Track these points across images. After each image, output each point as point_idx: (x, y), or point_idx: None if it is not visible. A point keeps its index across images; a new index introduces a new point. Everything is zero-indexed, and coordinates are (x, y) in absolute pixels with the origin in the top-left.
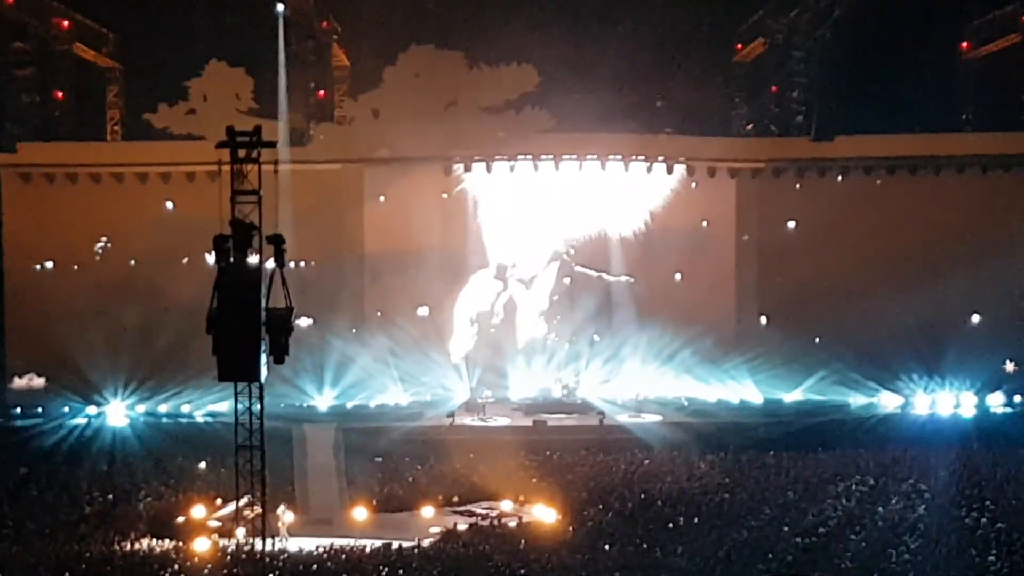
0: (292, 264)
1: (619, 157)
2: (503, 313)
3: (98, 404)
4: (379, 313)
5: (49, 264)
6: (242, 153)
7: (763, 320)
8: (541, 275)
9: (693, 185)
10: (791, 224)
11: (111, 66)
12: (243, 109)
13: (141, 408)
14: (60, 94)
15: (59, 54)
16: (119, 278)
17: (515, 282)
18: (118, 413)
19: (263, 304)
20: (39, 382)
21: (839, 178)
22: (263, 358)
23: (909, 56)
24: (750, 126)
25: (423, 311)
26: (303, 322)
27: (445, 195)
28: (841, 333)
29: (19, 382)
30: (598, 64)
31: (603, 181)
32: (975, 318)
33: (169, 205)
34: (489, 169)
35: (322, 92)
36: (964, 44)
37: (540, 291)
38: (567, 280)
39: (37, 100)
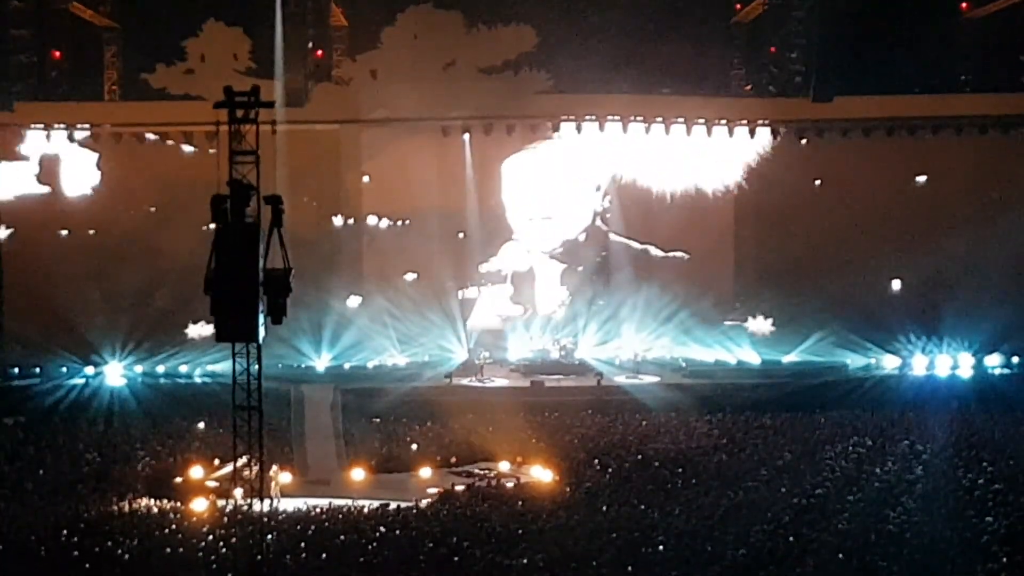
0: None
1: (617, 118)
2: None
3: (96, 364)
4: (416, 275)
5: (47, 222)
6: (240, 113)
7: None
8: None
9: (692, 145)
10: (790, 185)
11: (108, 25)
12: (241, 69)
13: (139, 368)
14: (57, 54)
15: (56, 13)
16: (117, 238)
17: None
18: (116, 373)
19: (261, 265)
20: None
21: (838, 138)
22: (261, 319)
23: (908, 16)
24: (749, 87)
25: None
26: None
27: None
28: (839, 294)
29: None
30: (596, 25)
31: (603, 142)
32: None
33: None
34: (488, 131)
35: (320, 52)
36: (964, 4)
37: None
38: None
39: (34, 60)
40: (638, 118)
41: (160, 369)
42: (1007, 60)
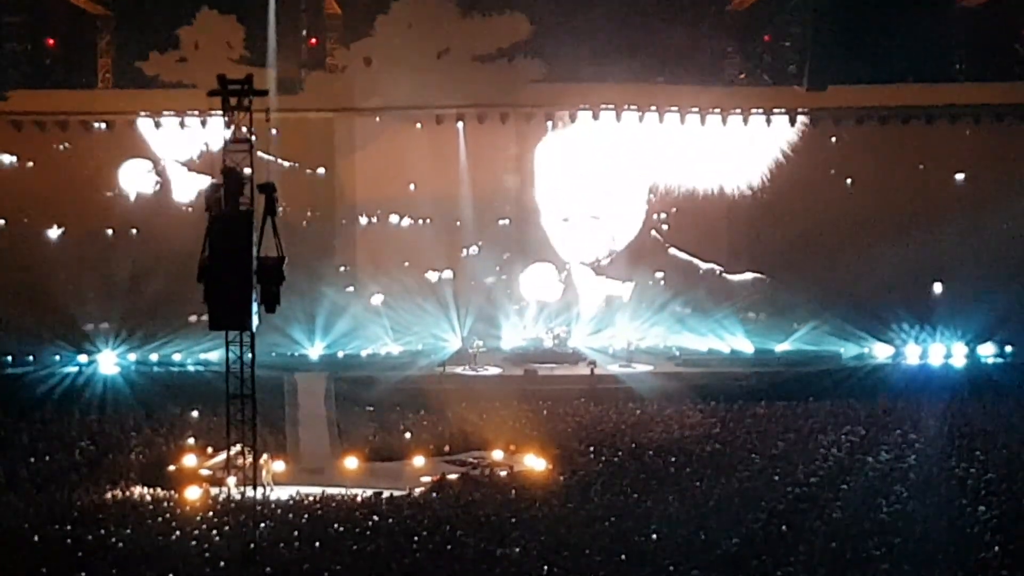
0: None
1: (611, 107)
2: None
3: (89, 353)
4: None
5: (40, 211)
6: (233, 101)
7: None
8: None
9: (684, 134)
10: (784, 173)
11: (102, 13)
12: (234, 57)
13: (132, 357)
14: (51, 41)
15: (50, 1)
16: (111, 226)
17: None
18: (109, 362)
19: (254, 253)
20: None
21: (832, 127)
22: (255, 307)
23: (902, 5)
24: (743, 75)
25: (432, 276)
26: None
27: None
28: (833, 283)
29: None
30: (590, 12)
31: (594, 131)
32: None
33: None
34: (481, 120)
35: (314, 40)
36: None
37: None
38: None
39: (28, 47)
40: (632, 107)
41: (153, 357)
42: (1001, 49)
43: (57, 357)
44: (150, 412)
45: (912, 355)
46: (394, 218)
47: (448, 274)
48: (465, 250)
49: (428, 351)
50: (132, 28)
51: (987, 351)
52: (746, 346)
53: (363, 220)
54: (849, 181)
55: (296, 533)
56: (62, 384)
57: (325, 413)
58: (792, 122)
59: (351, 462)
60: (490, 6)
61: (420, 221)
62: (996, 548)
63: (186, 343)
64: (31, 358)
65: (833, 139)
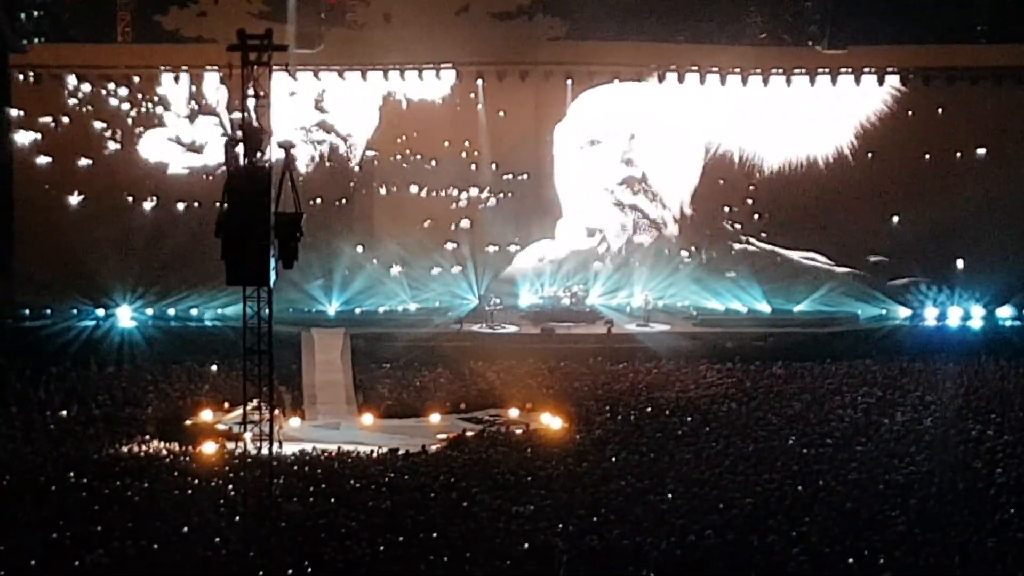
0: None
1: (631, 66)
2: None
3: (107, 307)
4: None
5: (58, 165)
6: (253, 56)
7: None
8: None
9: (702, 94)
10: (803, 134)
11: None
12: (254, 12)
13: (149, 311)
14: None
15: None
16: (128, 181)
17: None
18: (126, 316)
19: (272, 208)
20: None
21: (852, 88)
22: (272, 263)
23: None
24: (764, 35)
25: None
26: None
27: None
28: (851, 244)
29: None
30: None
31: (608, 92)
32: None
33: None
34: (501, 77)
35: None
36: None
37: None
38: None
39: (48, 0)
40: (652, 66)
41: (171, 312)
42: (1023, 11)
43: (75, 311)
44: (167, 367)
45: (930, 317)
46: (412, 175)
47: (466, 231)
48: (483, 206)
49: (445, 308)
50: None
51: (1005, 314)
52: (763, 306)
53: (380, 177)
54: (869, 141)
55: (312, 489)
56: (79, 338)
57: (342, 369)
58: (812, 82)
59: (367, 419)
60: None
61: (438, 178)
62: (1012, 510)
63: (203, 298)
64: (48, 311)
65: (854, 99)
